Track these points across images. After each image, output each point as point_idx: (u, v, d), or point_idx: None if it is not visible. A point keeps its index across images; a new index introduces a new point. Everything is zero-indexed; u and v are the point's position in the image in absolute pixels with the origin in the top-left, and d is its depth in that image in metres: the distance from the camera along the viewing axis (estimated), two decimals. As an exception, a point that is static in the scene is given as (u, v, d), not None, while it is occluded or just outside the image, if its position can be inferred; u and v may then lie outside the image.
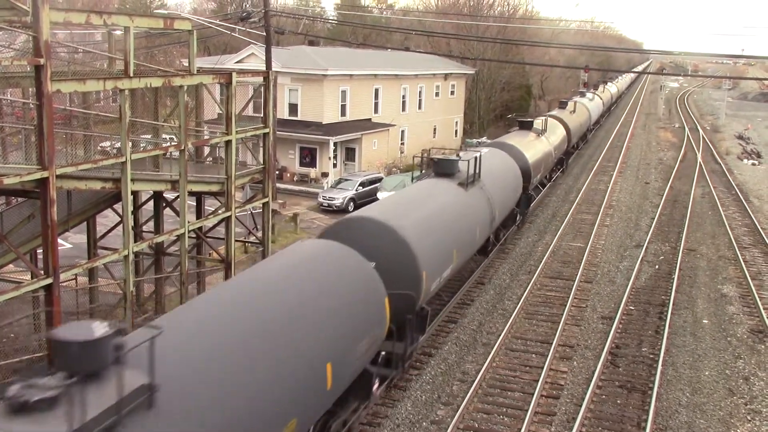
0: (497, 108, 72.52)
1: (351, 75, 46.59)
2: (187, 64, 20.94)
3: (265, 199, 22.27)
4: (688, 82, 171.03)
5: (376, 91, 49.65)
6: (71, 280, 19.88)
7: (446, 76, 58.81)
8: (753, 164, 56.58)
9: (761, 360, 20.21)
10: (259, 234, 24.14)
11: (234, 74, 19.94)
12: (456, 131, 62.13)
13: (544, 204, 38.52)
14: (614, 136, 68.37)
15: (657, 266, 28.48)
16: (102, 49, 24.04)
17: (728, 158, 57.80)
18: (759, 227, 35.04)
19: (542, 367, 18.75)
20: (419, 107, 55.46)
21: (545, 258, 28.47)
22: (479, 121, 68.64)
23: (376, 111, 49.78)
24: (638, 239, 32.33)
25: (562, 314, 22.50)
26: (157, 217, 21.45)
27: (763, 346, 21.10)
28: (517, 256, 29.17)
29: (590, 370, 18.94)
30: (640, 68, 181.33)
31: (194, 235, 21.66)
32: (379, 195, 36.48)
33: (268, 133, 21.96)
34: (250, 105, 24.46)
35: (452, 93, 60.70)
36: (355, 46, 59.48)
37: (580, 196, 40.81)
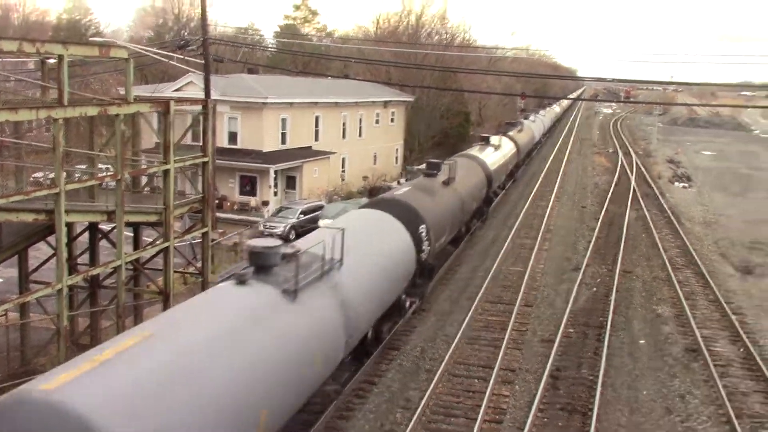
0: (437, 135, 73.28)
1: (291, 103, 46.62)
2: (123, 93, 20.67)
3: (205, 229, 22.02)
4: (620, 107, 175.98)
5: (317, 118, 49.75)
6: (1, 316, 19.22)
7: (386, 104, 59.33)
8: (684, 187, 58.43)
9: (696, 378, 20.77)
10: (199, 264, 23.79)
11: (172, 102, 19.76)
12: (396, 158, 62.57)
13: (484, 229, 39.00)
14: (551, 161, 69.82)
15: (594, 288, 29.08)
16: (35, 78, 23.55)
17: (660, 182, 59.55)
18: (691, 248, 36.13)
19: (485, 392, 18.88)
20: (360, 135, 55.74)
21: (486, 283, 28.77)
22: (419, 148, 69.25)
23: (316, 139, 49.82)
24: (576, 262, 32.97)
25: (504, 338, 22.73)
26: (93, 249, 21.00)
27: (697, 365, 21.69)
28: (458, 281, 29.41)
29: (532, 393, 19.16)
30: (574, 95, 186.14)
31: (131, 267, 21.23)
32: (321, 223, 36.35)
33: (207, 161, 21.77)
34: (189, 133, 24.24)
35: (392, 120, 61.23)
36: (295, 74, 59.60)
37: (519, 221, 41.46)
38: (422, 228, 22.59)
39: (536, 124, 74.11)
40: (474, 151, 41.34)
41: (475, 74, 70.74)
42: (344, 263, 15.91)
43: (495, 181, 40.30)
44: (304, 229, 35.83)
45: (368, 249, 18.34)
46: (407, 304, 22.31)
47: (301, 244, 15.92)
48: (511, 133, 54.16)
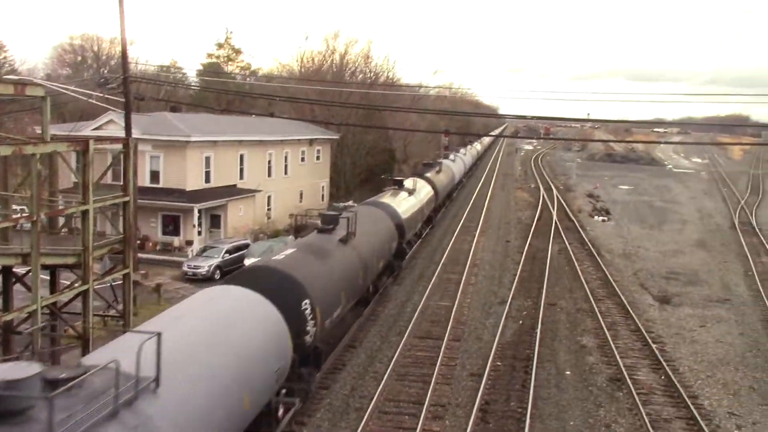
0: (362, 172, 73.71)
1: (215, 141, 46.16)
2: (40, 132, 20.08)
3: (126, 270, 21.46)
4: (541, 144, 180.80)
5: (241, 156, 49.36)
6: None
7: (311, 142, 59.40)
8: (603, 221, 60.17)
9: (620, 407, 21.19)
10: (120, 307, 23.10)
11: (91, 141, 19.30)
12: (323, 195, 62.54)
13: (411, 266, 39.17)
14: (475, 196, 70.95)
15: (521, 321, 29.49)
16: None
17: (580, 216, 61.18)
18: (611, 280, 37.11)
19: (415, 429, 18.79)
20: (285, 172, 55.53)
21: (414, 318, 28.84)
22: (345, 185, 69.46)
23: (241, 177, 49.38)
24: (502, 296, 33.41)
25: (433, 374, 22.76)
26: (6, 293, 20.15)
27: (621, 394, 22.15)
28: (387, 317, 29.39)
29: (462, 428, 19.18)
30: (496, 132, 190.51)
31: (48, 312, 20.43)
32: (247, 262, 35.92)
33: (128, 201, 21.29)
34: (110, 173, 23.67)
35: (318, 158, 61.28)
36: (219, 113, 59.15)
37: (445, 256, 41.84)
38: (306, 304, 18.07)
39: (457, 163, 71.13)
40: (385, 197, 37.41)
41: (399, 112, 71.58)
42: (163, 384, 10.61)
43: (408, 230, 36.45)
44: (229, 269, 35.35)
45: (208, 354, 12.68)
46: (280, 410, 17.11)
47: (97, 357, 11.22)
48: (428, 175, 51.05)
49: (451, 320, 28.74)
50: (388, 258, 31.41)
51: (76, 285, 19.93)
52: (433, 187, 49.06)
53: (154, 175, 44.25)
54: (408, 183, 41.72)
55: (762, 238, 53.07)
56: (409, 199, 39.02)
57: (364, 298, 28.41)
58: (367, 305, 29.30)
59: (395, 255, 33.74)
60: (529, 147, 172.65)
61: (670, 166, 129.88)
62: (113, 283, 25.92)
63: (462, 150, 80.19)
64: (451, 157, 71.19)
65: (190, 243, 42.73)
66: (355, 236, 25.06)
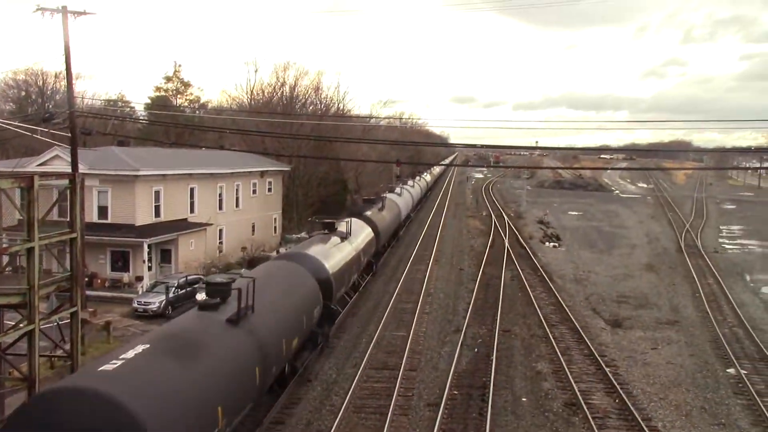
0: (315, 203, 73.56)
1: (164, 175, 45.62)
2: (-19, 169, 19.60)
3: (74, 309, 20.90)
4: (491, 172, 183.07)
5: (192, 190, 48.86)
6: None
7: (262, 174, 59.13)
8: (554, 246, 60.96)
9: (576, 432, 21.31)
10: (67, 347, 22.47)
11: (36, 177, 18.89)
12: (275, 228, 62.16)
13: (365, 296, 39.07)
14: (428, 226, 71.31)
15: (476, 349, 29.57)
16: None
17: (532, 242, 61.91)
18: (564, 305, 37.51)
19: (373, 461, 18.59)
20: (237, 205, 55.10)
21: (370, 349, 28.70)
22: (298, 217, 69.19)
23: (192, 210, 48.83)
24: (457, 324, 33.49)
25: (390, 405, 22.61)
26: (-52, 335, 19.44)
27: (577, 418, 22.30)
28: (342, 349, 29.18)
29: (420, 459, 19.04)
30: (447, 161, 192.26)
31: (-8, 353, 19.77)
32: (199, 297, 35.31)
33: (75, 237, 20.82)
34: (56, 209, 23.18)
35: (269, 190, 60.99)
36: (168, 146, 58.57)
37: (399, 286, 41.84)
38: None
39: (404, 197, 65.36)
40: (310, 247, 29.88)
41: (351, 143, 71.82)
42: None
43: (339, 287, 29.39)
44: (181, 304, 34.75)
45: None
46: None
47: None
48: (368, 214, 44.54)
49: (406, 350, 28.66)
50: (308, 330, 24.04)
51: (21, 325, 19.33)
52: (374, 228, 42.47)
53: (102, 211, 43.49)
54: (342, 226, 34.62)
55: (708, 260, 54.37)
56: (341, 247, 32.15)
57: (266, 400, 21.65)
58: (269, 410, 21.75)
59: (320, 321, 26.24)
60: (480, 175, 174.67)
61: (617, 192, 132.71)
62: (60, 323, 25.27)
63: (410, 182, 78.64)
64: (397, 190, 64.77)
65: (140, 279, 41.99)
66: (254, 311, 18.11)
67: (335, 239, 32.44)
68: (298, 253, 28.10)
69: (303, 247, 30.35)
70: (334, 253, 30.50)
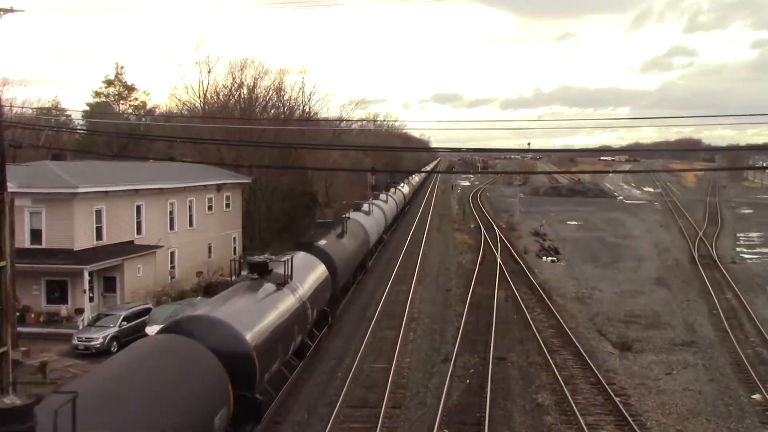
0: (280, 219, 73.33)
1: (106, 192, 45.18)
2: None
3: (3, 349, 20.54)
4: (479, 179, 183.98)
5: (138, 208, 48.42)
6: None
7: (219, 187, 58.81)
8: (552, 261, 61.13)
9: (585, 472, 21.19)
10: (-3, 392, 22.04)
11: (-45, 199, 18.54)
12: (235, 248, 61.78)
13: (341, 323, 38.82)
14: (409, 241, 71.33)
15: (468, 380, 29.44)
16: None
17: (527, 257, 62.07)
18: (566, 327, 37.52)
19: None
20: (190, 224, 54.71)
21: (347, 385, 28.45)
22: (261, 235, 68.86)
23: (139, 231, 48.36)
24: (445, 352, 33.35)
25: (371, 448, 22.38)
26: None
27: (584, 457, 22.18)
28: (315, 386, 28.90)
29: None
30: (429, 167, 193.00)
31: None
32: (149, 330, 34.97)
33: (4, 266, 20.49)
34: (-21, 234, 22.76)
35: (228, 206, 60.67)
36: (110, 159, 58.11)
37: (379, 310, 41.69)
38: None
39: (374, 215, 60.78)
40: (222, 307, 22.59)
41: (319, 149, 71.73)
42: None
43: (267, 363, 21.96)
44: (128, 339, 34.33)
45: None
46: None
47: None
48: (322, 244, 37.81)
49: (389, 384, 28.45)
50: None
51: (-59, 370, 18.93)
52: (330, 264, 35.74)
53: (36, 235, 42.92)
54: (279, 267, 27.50)
55: (725, 271, 54.76)
56: (274, 300, 25.52)
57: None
58: None
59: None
60: (466, 183, 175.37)
61: (621, 198, 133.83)
62: (-12, 365, 24.81)
63: (383, 196, 77.16)
64: (365, 207, 60.54)
65: (80, 312, 41.47)
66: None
67: (268, 287, 25.89)
68: (196, 319, 20.69)
69: (210, 306, 23.11)
70: (260, 313, 23.47)
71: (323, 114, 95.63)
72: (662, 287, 49.98)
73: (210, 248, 57.05)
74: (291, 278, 27.42)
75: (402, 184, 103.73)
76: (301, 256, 32.69)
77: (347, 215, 50.41)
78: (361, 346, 34.19)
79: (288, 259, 27.88)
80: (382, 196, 75.46)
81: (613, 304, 44.62)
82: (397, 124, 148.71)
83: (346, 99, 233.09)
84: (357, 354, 32.81)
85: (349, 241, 44.40)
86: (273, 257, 28.38)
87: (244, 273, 28.15)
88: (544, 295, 45.61)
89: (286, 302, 26.08)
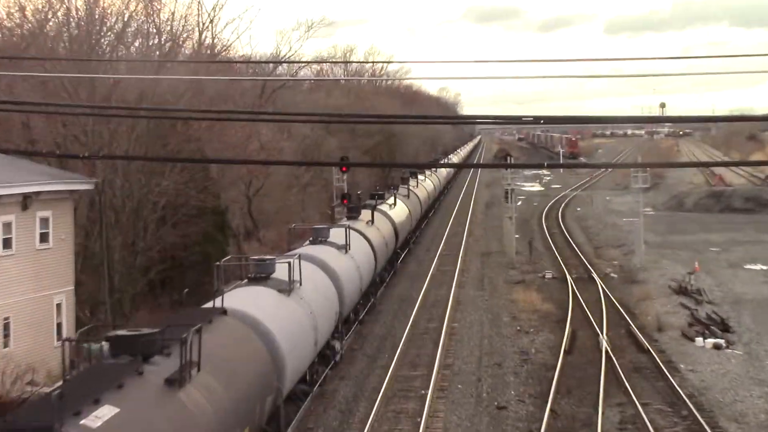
0: (154, 263, 72.73)
1: None
2: None
3: None
4: (560, 176, 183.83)
5: None
6: None
7: (26, 202, 58.07)
8: (717, 347, 60.22)
9: None
10: None
11: None
12: (59, 325, 61.02)
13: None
14: (422, 302, 70.76)
15: None
16: None
17: (664, 337, 61.56)
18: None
19: None
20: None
21: None
22: (114, 296, 68.22)
23: None
24: None
25: None
26: None
27: None
28: None
29: None
30: (461, 154, 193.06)
31: None
32: None
33: None
34: None
35: (45, 238, 59.95)
36: None
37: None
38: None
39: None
40: None
41: (237, 120, 71.33)
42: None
43: None
44: None
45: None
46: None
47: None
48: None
49: None
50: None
51: None
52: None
53: None
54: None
55: None
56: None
57: None
58: None
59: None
60: (535, 187, 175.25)
61: None
62: None
63: (366, 216, 74.00)
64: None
65: None
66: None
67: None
68: None
69: None
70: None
71: (241, 50, 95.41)
72: None
73: (7, 327, 56.27)
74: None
75: (405, 190, 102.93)
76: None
77: (295, 258, 48.31)
78: None
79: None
80: (366, 216, 73.56)
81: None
82: (392, 68, 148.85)
83: (290, 20, 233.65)
84: None
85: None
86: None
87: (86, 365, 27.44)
88: (701, 420, 44.90)
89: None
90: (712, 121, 77.99)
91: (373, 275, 69.00)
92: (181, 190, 74.50)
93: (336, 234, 61.69)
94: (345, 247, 59.78)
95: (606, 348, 57.02)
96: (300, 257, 48.65)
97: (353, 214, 74.21)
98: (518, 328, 65.58)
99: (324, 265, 54.26)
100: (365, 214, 74.79)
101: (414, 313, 69.31)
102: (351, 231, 63.87)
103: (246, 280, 45.79)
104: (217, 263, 45.37)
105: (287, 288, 43.95)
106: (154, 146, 70.36)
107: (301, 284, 45.89)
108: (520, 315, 69.54)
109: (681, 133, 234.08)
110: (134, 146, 68.22)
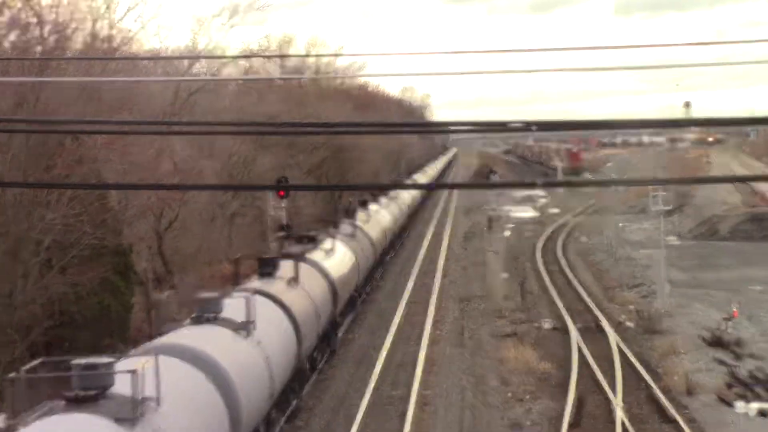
0: (38, 321, 72.33)
1: None
2: None
3: None
4: (560, 200, 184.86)
5: None
6: None
7: None
8: (763, 413, 60.12)
9: None
10: None
11: None
12: None
13: None
14: (385, 368, 70.47)
15: None
16: None
17: (695, 403, 61.32)
18: None
19: None
20: None
21: None
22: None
23: None
24: None
25: None
26: None
27: None
28: None
29: None
30: (430, 171, 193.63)
31: None
32: None
33: None
34: None
35: None
36: None
37: None
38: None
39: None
40: None
41: (146, 133, 71.22)
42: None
43: None
44: None
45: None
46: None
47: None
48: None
49: None
50: None
51: None
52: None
53: None
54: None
55: None
56: None
57: None
58: None
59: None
60: (528, 213, 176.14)
61: None
62: None
63: (318, 254, 73.33)
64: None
65: None
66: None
67: None
68: None
69: None
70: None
71: (148, 44, 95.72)
72: None
73: None
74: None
75: (349, 228, 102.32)
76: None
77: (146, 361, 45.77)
78: None
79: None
80: (288, 271, 70.27)
81: None
82: (341, 63, 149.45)
83: (210, 4, 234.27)
84: None
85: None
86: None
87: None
88: None
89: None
90: (751, 124, 78.44)
91: (297, 362, 59.71)
92: (72, 225, 74.13)
93: (233, 306, 50.64)
94: (245, 328, 49.72)
95: (622, 419, 56.83)
96: (156, 353, 37.68)
97: (267, 269, 69.61)
98: (509, 394, 65.42)
99: (204, 365, 41.85)
100: (286, 268, 69.55)
101: (386, 352, 69.15)
102: (259, 299, 55.71)
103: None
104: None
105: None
106: (36, 169, 70.07)
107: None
108: (511, 378, 69.36)
109: (711, 139, 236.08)
110: (9, 169, 67.99)
